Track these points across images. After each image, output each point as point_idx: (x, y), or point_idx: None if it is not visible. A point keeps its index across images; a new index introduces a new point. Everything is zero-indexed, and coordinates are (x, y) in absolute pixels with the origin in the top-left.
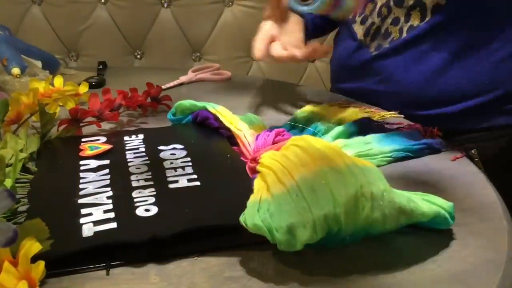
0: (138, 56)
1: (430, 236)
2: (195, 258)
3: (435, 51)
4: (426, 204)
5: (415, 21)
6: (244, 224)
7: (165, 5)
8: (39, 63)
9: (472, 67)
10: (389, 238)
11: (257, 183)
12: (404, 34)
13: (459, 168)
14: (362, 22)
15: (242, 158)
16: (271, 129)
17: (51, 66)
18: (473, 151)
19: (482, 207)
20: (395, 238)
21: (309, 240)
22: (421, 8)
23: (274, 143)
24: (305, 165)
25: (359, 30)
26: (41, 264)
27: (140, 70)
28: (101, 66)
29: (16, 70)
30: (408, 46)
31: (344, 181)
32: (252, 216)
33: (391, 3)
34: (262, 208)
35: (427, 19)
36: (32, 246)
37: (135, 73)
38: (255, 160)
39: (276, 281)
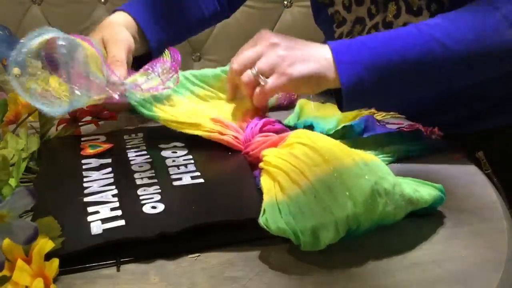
0: None
1: (431, 236)
2: (195, 258)
3: None
4: (426, 190)
5: None
6: (265, 227)
7: None
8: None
9: None
10: (389, 238)
11: (266, 182)
12: None
13: (459, 168)
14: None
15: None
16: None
17: None
18: (479, 153)
19: (482, 207)
20: (395, 238)
21: (333, 240)
22: None
23: (261, 131)
24: (318, 165)
25: None
26: (55, 261)
27: None
28: None
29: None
30: None
31: (358, 179)
32: (275, 219)
33: (380, 25)
34: (283, 210)
35: None
36: (45, 244)
37: None
38: (248, 154)
39: (276, 281)
